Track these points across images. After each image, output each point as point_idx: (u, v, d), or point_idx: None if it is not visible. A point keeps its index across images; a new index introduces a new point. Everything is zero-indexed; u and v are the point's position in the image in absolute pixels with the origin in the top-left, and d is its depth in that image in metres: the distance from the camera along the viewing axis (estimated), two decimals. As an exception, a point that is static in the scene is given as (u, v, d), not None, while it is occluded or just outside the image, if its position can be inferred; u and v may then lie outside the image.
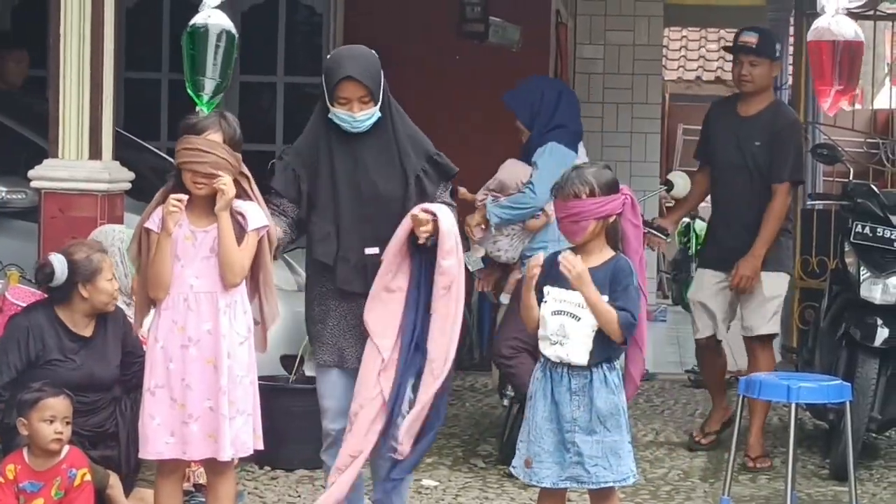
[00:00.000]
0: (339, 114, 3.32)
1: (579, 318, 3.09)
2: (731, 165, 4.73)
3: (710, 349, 4.90)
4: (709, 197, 5.13)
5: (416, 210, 3.26)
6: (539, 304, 3.25)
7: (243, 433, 3.26)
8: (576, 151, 4.60)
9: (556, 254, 3.20)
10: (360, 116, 3.35)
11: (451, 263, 3.31)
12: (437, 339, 3.29)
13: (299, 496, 4.17)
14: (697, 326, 4.88)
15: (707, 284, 4.84)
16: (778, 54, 4.87)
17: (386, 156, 3.42)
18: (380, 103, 3.37)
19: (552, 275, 3.14)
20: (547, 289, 3.11)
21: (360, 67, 3.38)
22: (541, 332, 3.20)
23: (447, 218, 3.29)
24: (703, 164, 4.95)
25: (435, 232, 3.24)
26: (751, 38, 4.73)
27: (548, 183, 4.51)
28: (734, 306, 4.82)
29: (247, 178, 3.27)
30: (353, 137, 3.38)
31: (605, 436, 3.11)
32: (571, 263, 2.89)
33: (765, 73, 4.65)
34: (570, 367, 3.12)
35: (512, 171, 4.77)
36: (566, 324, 3.11)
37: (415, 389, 3.34)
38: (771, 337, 4.85)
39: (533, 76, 5.45)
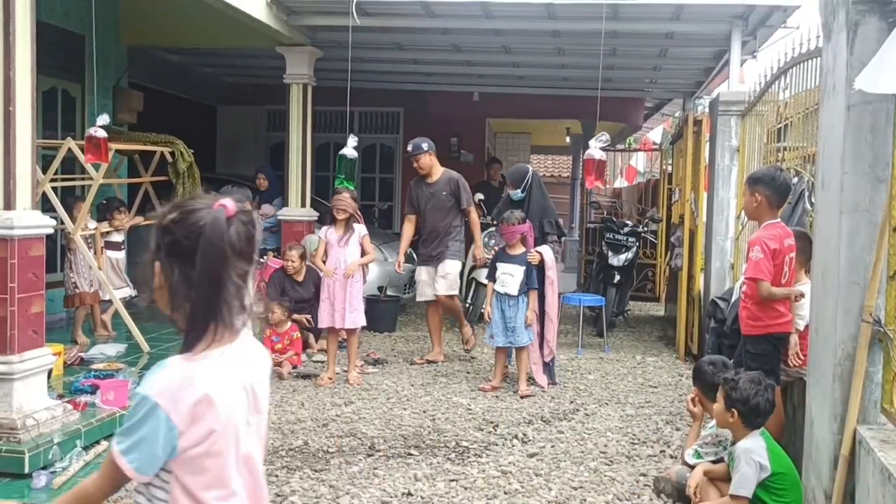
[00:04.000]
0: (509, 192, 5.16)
1: (513, 275, 4.79)
2: (429, 209, 5.75)
3: (433, 306, 6.05)
4: None
5: (537, 249, 4.81)
6: (493, 272, 4.81)
7: (358, 316, 5.21)
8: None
9: (503, 249, 4.81)
10: (513, 193, 5.11)
11: (552, 274, 4.97)
12: (551, 304, 4.98)
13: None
14: (425, 292, 5.97)
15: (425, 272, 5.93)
16: (427, 148, 5.82)
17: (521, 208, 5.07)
18: (522, 187, 5.11)
19: (500, 258, 4.87)
20: (498, 265, 4.86)
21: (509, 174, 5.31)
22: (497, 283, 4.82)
23: (548, 252, 4.95)
24: (412, 213, 6.00)
25: (542, 260, 4.95)
26: (410, 147, 5.90)
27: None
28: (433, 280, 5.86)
29: (359, 213, 5.15)
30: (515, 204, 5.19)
31: (520, 323, 4.82)
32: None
33: (427, 160, 5.85)
34: (508, 295, 4.79)
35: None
36: (507, 279, 4.77)
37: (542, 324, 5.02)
38: (451, 296, 5.79)
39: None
